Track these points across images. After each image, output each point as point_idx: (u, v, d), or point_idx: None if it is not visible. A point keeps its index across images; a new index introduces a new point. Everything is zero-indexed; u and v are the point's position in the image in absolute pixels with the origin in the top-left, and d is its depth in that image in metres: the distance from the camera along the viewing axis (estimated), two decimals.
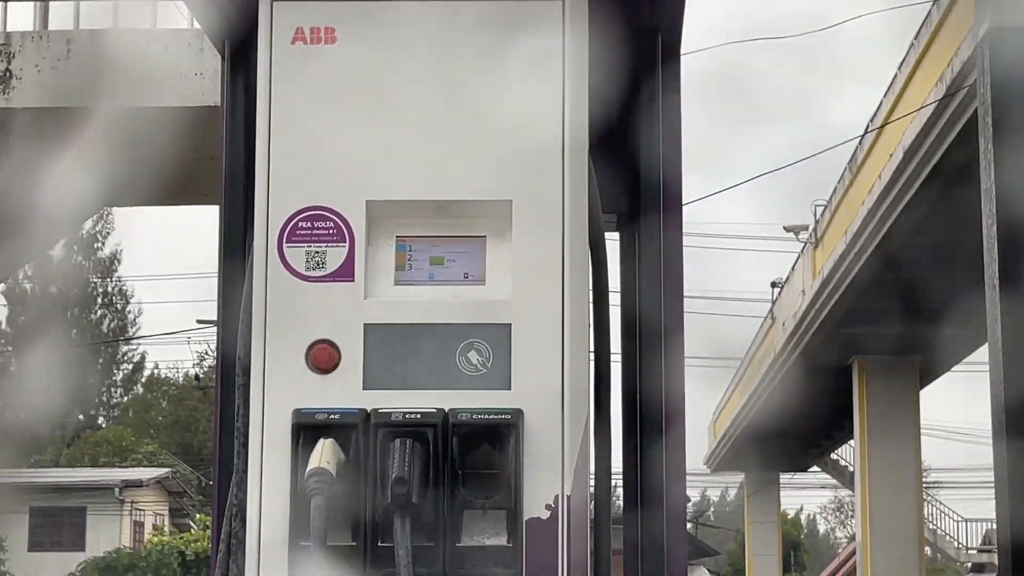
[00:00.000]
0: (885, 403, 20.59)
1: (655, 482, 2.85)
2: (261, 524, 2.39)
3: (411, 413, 2.37)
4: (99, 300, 52.55)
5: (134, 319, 53.95)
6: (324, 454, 2.33)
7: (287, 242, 2.48)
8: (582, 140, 2.49)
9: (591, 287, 2.67)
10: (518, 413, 2.36)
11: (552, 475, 2.40)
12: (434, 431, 2.36)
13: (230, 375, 2.57)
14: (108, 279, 52.68)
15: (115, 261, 52.97)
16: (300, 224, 2.46)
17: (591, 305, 2.62)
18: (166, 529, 37.15)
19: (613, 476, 2.90)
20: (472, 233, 2.52)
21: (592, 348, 2.64)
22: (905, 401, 20.79)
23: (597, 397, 2.69)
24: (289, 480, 2.38)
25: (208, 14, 2.86)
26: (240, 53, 2.77)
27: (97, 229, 49.71)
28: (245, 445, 2.47)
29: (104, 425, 52.41)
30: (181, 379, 50.86)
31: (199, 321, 32.82)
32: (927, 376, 22.32)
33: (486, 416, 2.37)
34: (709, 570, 34.66)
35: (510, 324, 2.42)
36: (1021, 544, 4.47)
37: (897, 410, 20.66)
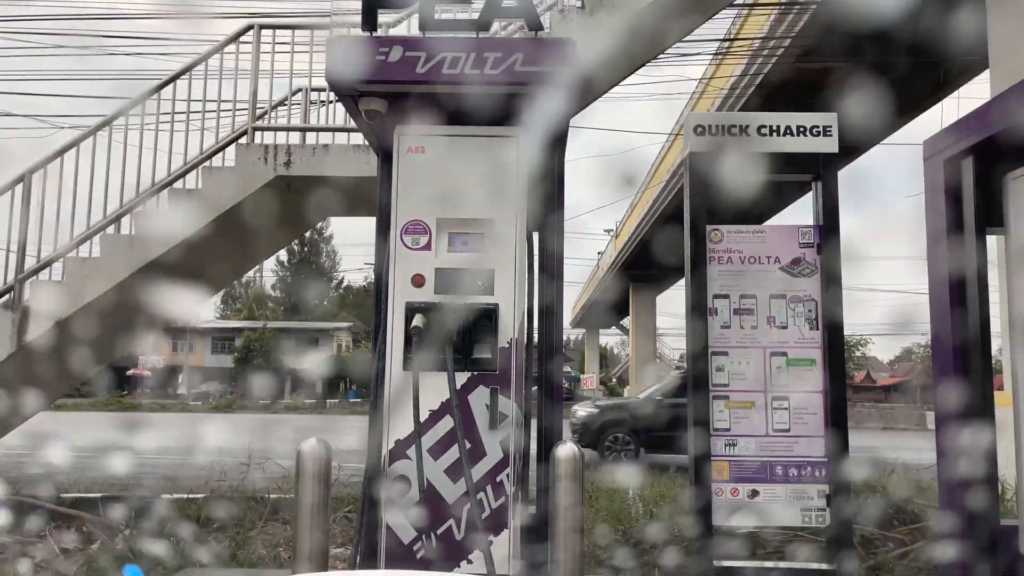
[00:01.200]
0: (642, 304, 43.71)
1: (553, 331, 4.42)
2: (392, 346, 4.03)
3: (454, 304, 3.91)
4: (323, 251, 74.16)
5: (339, 262, 72.49)
6: (418, 320, 3.95)
7: (404, 234, 4.04)
8: (522, 210, 4.09)
9: (527, 264, 4.24)
10: (496, 306, 3.99)
11: (509, 330, 3.99)
12: (465, 311, 3.95)
13: (381, 286, 4.10)
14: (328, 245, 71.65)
15: (330, 239, 72.85)
16: (409, 227, 4.07)
17: (526, 267, 4.22)
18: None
19: (535, 331, 4.44)
20: (478, 230, 4.04)
21: (527, 280, 4.29)
22: (650, 303, 44.03)
23: (529, 300, 4.28)
24: (402, 331, 4.02)
25: (371, 139, 4.42)
26: (385, 154, 4.23)
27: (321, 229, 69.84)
28: (385, 319, 4.02)
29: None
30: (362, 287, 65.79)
31: (366, 263, 44.22)
32: (659, 293, 44.40)
33: (484, 306, 3.98)
34: (569, 368, 61.25)
35: (494, 270, 4.02)
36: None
37: (647, 307, 43.89)
